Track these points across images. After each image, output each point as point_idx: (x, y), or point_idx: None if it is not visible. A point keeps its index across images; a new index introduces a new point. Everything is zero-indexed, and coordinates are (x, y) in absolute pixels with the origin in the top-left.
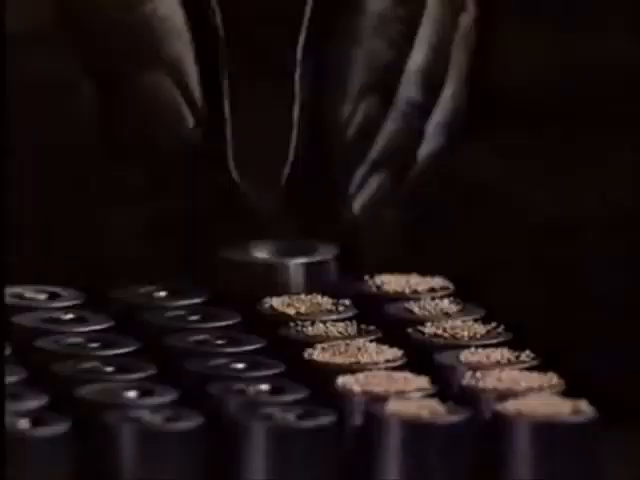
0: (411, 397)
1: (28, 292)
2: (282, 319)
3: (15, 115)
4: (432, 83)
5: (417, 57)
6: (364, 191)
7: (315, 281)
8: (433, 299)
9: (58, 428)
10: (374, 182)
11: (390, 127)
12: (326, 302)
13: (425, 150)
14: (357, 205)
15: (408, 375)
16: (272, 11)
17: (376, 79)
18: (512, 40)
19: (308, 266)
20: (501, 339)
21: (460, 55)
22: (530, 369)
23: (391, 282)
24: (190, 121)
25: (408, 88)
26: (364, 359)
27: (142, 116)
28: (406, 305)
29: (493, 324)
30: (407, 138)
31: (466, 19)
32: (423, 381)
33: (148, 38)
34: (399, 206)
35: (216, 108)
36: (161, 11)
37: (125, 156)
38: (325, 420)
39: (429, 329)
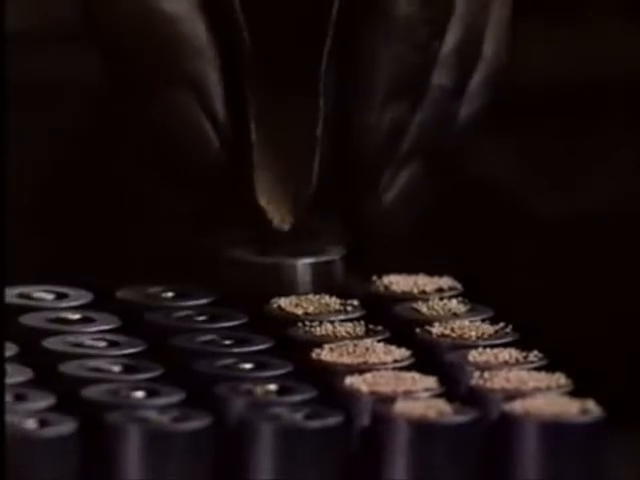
0: (419, 397)
1: (35, 292)
2: (290, 319)
3: (24, 113)
4: (465, 63)
5: (450, 39)
6: (396, 183)
7: (323, 281)
8: (441, 299)
9: (65, 428)
10: (406, 173)
11: (421, 117)
12: (334, 302)
13: (466, 111)
14: (389, 197)
15: (416, 375)
16: (296, 22)
17: (404, 83)
18: (521, 37)
19: (316, 266)
20: (509, 339)
21: (500, 11)
22: (538, 369)
23: (399, 282)
24: (215, 142)
25: (439, 73)
26: (372, 359)
27: (166, 136)
28: (414, 305)
29: (501, 324)
30: (439, 125)
31: None
32: (431, 381)
33: (172, 58)
34: (408, 206)
35: (240, 128)
36: (184, 30)
37: (145, 169)
38: (333, 420)
39: (437, 329)
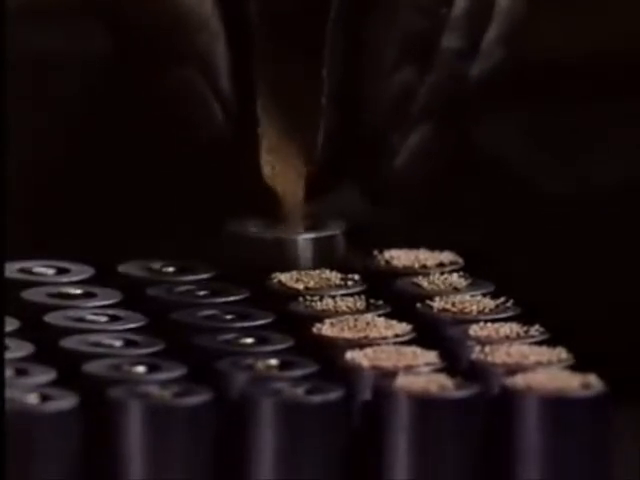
0: (420, 372)
1: (36, 267)
2: (291, 294)
3: (28, 88)
4: (477, 24)
5: (460, 2)
6: (406, 147)
7: (324, 256)
8: (442, 274)
9: (66, 403)
10: (416, 136)
11: (431, 80)
12: (335, 277)
13: (480, 68)
14: (399, 161)
15: (417, 350)
16: None
17: (412, 49)
18: (533, 13)
19: (317, 241)
20: (510, 313)
21: None
22: (539, 343)
23: (400, 257)
24: (219, 116)
25: (450, 36)
26: (373, 334)
27: (170, 111)
28: (415, 280)
29: (502, 299)
30: (449, 87)
31: None
32: (432, 356)
33: (175, 32)
34: (418, 169)
35: (246, 101)
36: (190, 3)
37: (149, 144)
38: (334, 395)
39: (438, 304)
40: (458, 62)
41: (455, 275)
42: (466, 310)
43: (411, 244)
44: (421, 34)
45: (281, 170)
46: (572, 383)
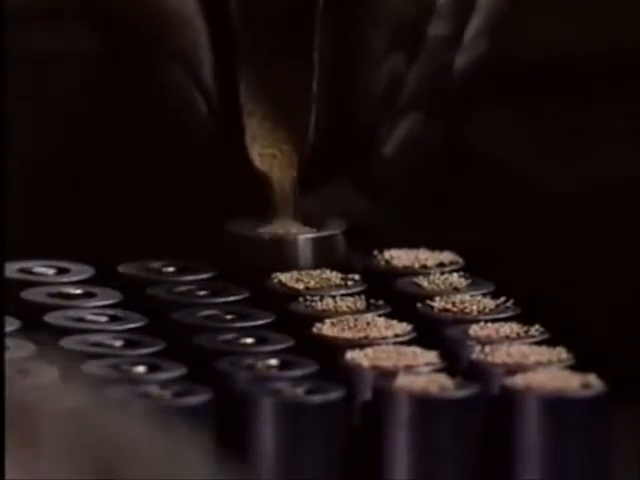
0: (420, 372)
1: (37, 267)
2: (291, 294)
3: (28, 88)
4: (461, 12)
5: None
6: (395, 136)
7: (324, 255)
8: (442, 274)
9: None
10: (405, 126)
11: (418, 68)
12: (335, 277)
13: (463, 60)
14: (388, 151)
15: (417, 350)
16: None
17: (400, 36)
18: (532, 12)
19: (317, 240)
20: (510, 313)
21: None
22: (539, 343)
23: (400, 257)
24: (203, 110)
25: (436, 24)
26: (373, 334)
27: (155, 107)
28: (415, 280)
29: (502, 298)
30: (436, 75)
31: None
32: (432, 356)
33: (158, 30)
34: (408, 158)
35: (233, 93)
36: (171, 2)
37: (137, 141)
38: (334, 395)
39: (438, 304)
40: (444, 50)
41: (455, 275)
42: (466, 310)
43: (411, 244)
44: (409, 22)
45: (273, 158)
46: (572, 383)
